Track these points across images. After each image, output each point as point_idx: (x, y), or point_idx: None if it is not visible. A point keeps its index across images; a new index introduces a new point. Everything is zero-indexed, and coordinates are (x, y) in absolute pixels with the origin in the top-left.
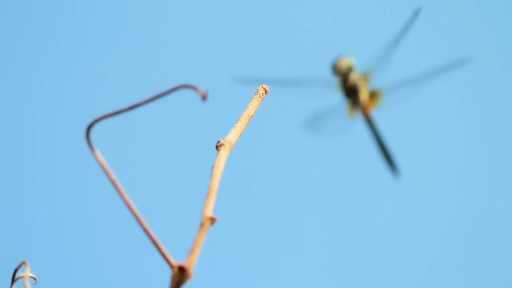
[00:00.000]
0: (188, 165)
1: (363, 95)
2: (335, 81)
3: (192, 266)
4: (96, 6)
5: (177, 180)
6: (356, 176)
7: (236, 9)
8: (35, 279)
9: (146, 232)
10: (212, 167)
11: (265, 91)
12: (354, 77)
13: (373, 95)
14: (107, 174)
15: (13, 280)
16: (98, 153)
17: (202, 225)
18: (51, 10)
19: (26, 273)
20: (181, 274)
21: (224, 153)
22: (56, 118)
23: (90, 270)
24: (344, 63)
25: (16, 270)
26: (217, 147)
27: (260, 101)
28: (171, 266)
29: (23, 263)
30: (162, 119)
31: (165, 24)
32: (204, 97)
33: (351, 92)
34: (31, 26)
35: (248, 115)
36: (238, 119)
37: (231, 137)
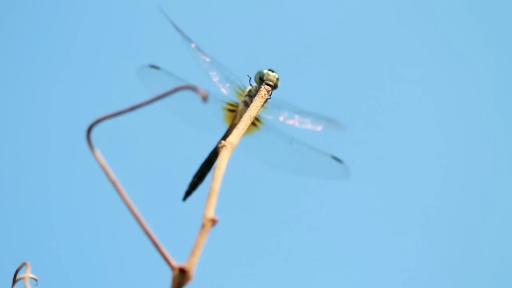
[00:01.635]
0: (189, 165)
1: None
2: (251, 87)
3: (193, 268)
4: (98, 8)
5: (178, 181)
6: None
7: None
8: (36, 280)
9: (147, 233)
10: (214, 168)
11: (268, 92)
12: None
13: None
14: (107, 175)
15: (14, 281)
16: (99, 154)
17: (203, 226)
18: (55, 12)
19: (27, 274)
20: (182, 276)
21: (225, 154)
22: (57, 119)
23: (91, 272)
24: (274, 77)
25: (17, 271)
26: (218, 148)
27: (262, 102)
28: (172, 267)
29: (24, 264)
30: (163, 119)
31: (165, 25)
32: (204, 98)
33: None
34: (33, 28)
35: (250, 116)
36: (240, 120)
37: (233, 138)
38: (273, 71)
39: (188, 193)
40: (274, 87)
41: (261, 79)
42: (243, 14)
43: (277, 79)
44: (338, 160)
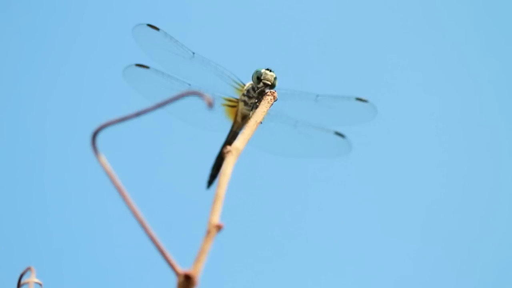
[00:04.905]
0: (194, 171)
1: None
2: (249, 86)
3: (198, 274)
4: (104, 12)
5: (184, 186)
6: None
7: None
8: (40, 285)
9: (152, 239)
10: (219, 174)
11: (274, 97)
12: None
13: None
14: (112, 181)
15: (19, 286)
16: (104, 159)
17: (208, 232)
18: (61, 14)
19: (32, 278)
20: (187, 282)
21: (231, 160)
22: (63, 124)
23: (95, 277)
24: (272, 76)
25: (21, 276)
26: (224, 153)
27: (268, 107)
28: (177, 274)
29: (28, 268)
30: (169, 125)
31: (172, 29)
32: (210, 104)
33: (254, 103)
34: (39, 30)
35: (256, 121)
36: (246, 126)
37: (239, 143)
38: (270, 70)
39: (210, 182)
40: (272, 86)
41: (258, 79)
42: (244, 13)
43: (275, 78)
44: (341, 135)
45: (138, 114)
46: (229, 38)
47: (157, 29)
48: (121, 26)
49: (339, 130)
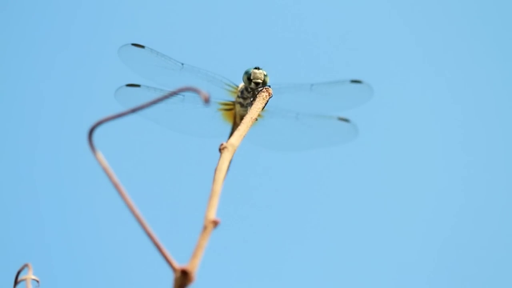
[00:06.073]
0: (191, 167)
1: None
2: (242, 87)
3: (195, 270)
4: (98, 8)
5: (180, 183)
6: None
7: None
8: (37, 281)
9: (149, 235)
10: (215, 170)
11: (269, 93)
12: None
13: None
14: (109, 177)
15: (16, 282)
16: (101, 155)
17: (205, 228)
18: (55, 11)
19: (29, 275)
20: (184, 277)
21: (227, 156)
22: (59, 121)
23: (92, 273)
24: (261, 74)
25: (18, 272)
26: (220, 149)
27: (263, 104)
28: (174, 269)
29: (25, 265)
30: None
31: (169, 23)
32: (206, 100)
33: (250, 103)
34: (34, 26)
35: (252, 117)
36: (242, 122)
37: (234, 140)
38: (259, 68)
39: None
40: (264, 83)
41: (249, 79)
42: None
43: (265, 75)
44: (345, 120)
45: (134, 110)
46: (213, 39)
47: (142, 47)
48: (106, 49)
49: (340, 115)
